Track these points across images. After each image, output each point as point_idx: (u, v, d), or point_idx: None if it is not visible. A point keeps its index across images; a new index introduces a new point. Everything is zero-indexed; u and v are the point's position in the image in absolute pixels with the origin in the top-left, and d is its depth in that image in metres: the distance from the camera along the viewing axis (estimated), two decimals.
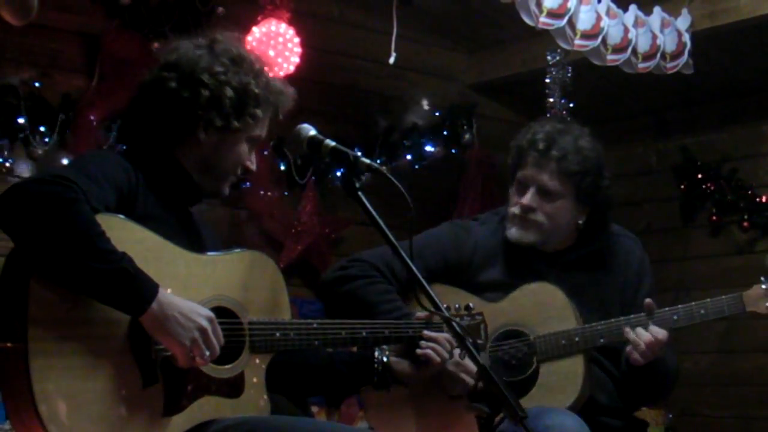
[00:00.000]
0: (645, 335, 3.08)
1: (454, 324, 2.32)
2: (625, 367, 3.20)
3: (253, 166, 2.75)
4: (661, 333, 3.09)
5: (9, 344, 2.29)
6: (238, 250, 2.67)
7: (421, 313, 2.86)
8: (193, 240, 2.65)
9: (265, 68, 2.72)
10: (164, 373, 2.40)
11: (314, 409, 4.66)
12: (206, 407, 2.48)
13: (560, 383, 3.13)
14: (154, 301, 2.31)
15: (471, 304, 2.90)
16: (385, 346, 2.84)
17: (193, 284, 2.50)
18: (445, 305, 2.62)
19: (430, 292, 2.33)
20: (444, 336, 2.83)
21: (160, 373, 2.40)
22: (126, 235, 2.38)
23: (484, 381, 2.23)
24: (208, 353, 2.38)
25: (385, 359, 2.83)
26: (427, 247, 3.23)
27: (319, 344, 2.69)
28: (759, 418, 5.33)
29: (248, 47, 2.73)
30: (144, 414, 2.38)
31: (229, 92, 2.61)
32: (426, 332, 2.84)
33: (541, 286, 3.20)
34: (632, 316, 3.15)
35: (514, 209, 3.23)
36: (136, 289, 2.30)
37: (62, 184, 2.28)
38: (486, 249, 3.27)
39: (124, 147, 2.67)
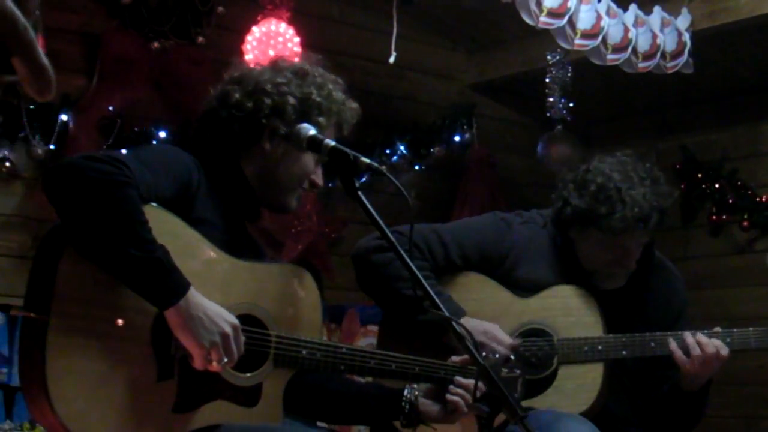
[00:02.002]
0: (709, 347, 3.06)
1: (454, 324, 2.31)
2: (668, 387, 3.19)
3: (320, 181, 2.78)
4: (724, 350, 3.08)
5: (32, 314, 2.30)
6: (279, 263, 2.72)
7: (456, 357, 2.83)
8: (244, 253, 2.63)
9: (328, 81, 2.76)
10: (181, 371, 2.40)
11: None
12: (217, 411, 2.47)
13: (576, 389, 3.13)
14: (183, 299, 2.31)
15: (512, 356, 2.88)
16: (414, 385, 2.80)
17: (226, 288, 2.50)
18: (483, 353, 2.60)
19: (431, 292, 2.32)
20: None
21: (177, 369, 2.40)
22: (167, 228, 2.39)
23: (486, 382, 2.22)
24: (226, 359, 2.38)
25: (413, 399, 2.79)
26: (467, 234, 3.25)
27: (344, 370, 2.66)
28: (761, 417, 5.33)
29: (314, 64, 2.83)
30: (154, 406, 2.38)
31: (291, 100, 2.65)
32: (458, 378, 2.79)
33: (573, 290, 3.19)
34: (658, 333, 3.14)
35: (618, 270, 3.19)
36: (166, 282, 2.30)
37: (115, 165, 2.29)
38: (525, 247, 3.25)
39: (192, 151, 2.67)
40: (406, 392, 2.79)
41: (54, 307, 2.27)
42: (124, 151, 2.81)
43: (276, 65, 2.75)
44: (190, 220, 2.47)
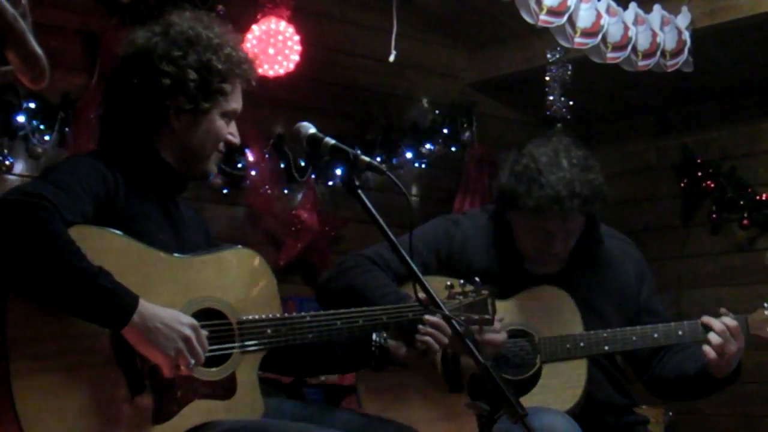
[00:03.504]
0: (718, 325, 3.08)
1: (454, 323, 2.31)
2: (696, 371, 3.19)
3: (236, 140, 2.72)
4: (732, 323, 3.10)
5: None
6: (224, 250, 2.64)
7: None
8: (179, 233, 2.63)
9: (225, 41, 2.67)
10: (152, 381, 2.39)
11: None
12: (198, 411, 2.45)
13: (562, 386, 3.14)
14: (135, 314, 2.30)
15: (478, 279, 2.89)
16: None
17: (177, 288, 2.47)
18: (448, 282, 2.65)
19: (430, 289, 2.32)
20: None
21: (147, 381, 2.38)
22: (104, 245, 2.37)
23: (485, 380, 2.22)
24: (193, 361, 2.37)
25: (382, 342, 2.81)
26: (419, 242, 3.22)
27: (313, 337, 2.64)
28: (760, 416, 5.33)
29: (207, 22, 2.69)
30: (134, 423, 2.36)
31: (191, 74, 2.58)
32: (427, 317, 2.80)
33: (549, 290, 3.20)
34: (638, 327, 3.17)
35: (544, 256, 3.19)
36: (115, 304, 2.29)
37: (33, 203, 2.26)
38: (477, 240, 3.27)
39: (101, 148, 2.66)
40: (374, 336, 2.81)
41: (11, 354, 2.25)
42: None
43: (168, 34, 2.62)
44: (120, 220, 2.44)
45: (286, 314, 2.66)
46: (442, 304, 2.32)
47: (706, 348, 3.08)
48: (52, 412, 2.27)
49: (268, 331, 2.58)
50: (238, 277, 2.60)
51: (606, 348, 3.15)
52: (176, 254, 2.51)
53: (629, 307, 3.26)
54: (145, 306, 2.33)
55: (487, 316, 2.89)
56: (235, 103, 2.69)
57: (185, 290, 2.49)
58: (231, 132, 2.70)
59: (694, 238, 5.67)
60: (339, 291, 3.13)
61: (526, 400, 3.07)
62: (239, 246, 2.67)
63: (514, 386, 3.10)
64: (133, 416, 2.36)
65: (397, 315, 2.78)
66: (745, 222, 5.44)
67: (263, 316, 2.59)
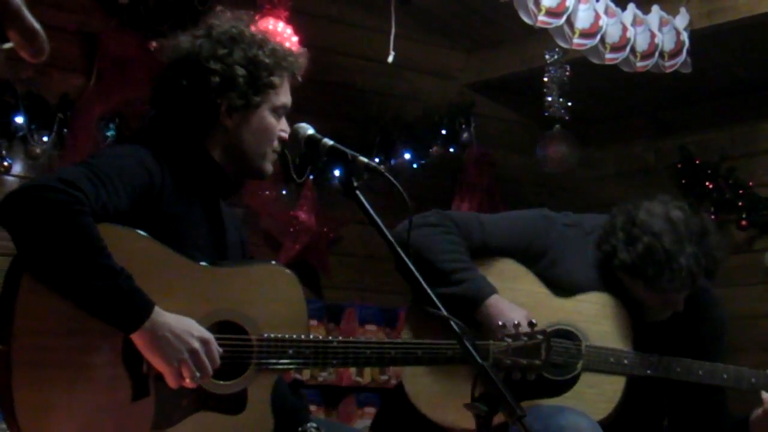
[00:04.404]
0: None
1: (453, 323, 2.30)
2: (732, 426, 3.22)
3: (287, 134, 2.69)
4: None
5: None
6: (256, 264, 2.63)
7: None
8: (219, 238, 2.61)
9: (268, 36, 2.67)
10: (157, 387, 2.37)
11: (312, 407, 4.66)
12: (202, 423, 2.43)
13: (595, 398, 3.08)
14: (147, 320, 2.29)
15: (534, 320, 2.84)
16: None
17: (198, 298, 2.45)
18: (500, 321, 2.63)
19: (429, 292, 2.31)
20: None
21: (153, 386, 2.37)
22: (129, 245, 2.36)
23: (483, 381, 2.21)
24: (198, 374, 2.36)
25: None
26: (508, 224, 3.20)
27: (337, 364, 2.60)
28: None
29: (247, 20, 2.69)
30: (131, 427, 2.34)
31: (239, 71, 2.57)
32: None
33: (610, 300, 3.15)
34: (684, 360, 3.12)
35: (664, 314, 3.16)
36: (128, 307, 2.28)
37: (67, 192, 2.25)
38: (567, 248, 3.19)
39: (153, 146, 2.59)
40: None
41: (16, 342, 2.25)
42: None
43: (210, 35, 2.62)
44: (161, 218, 2.43)
45: (311, 336, 2.60)
46: (442, 308, 2.29)
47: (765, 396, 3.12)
48: (48, 406, 2.26)
49: (290, 351, 2.52)
50: (266, 294, 2.56)
51: (648, 372, 3.09)
52: (203, 263, 2.49)
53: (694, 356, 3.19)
54: (159, 313, 2.32)
55: (536, 362, 2.79)
56: (285, 97, 2.68)
57: (207, 301, 2.46)
58: (283, 128, 2.68)
59: None
60: (413, 238, 3.06)
61: (556, 401, 3.05)
62: (273, 262, 2.67)
63: (549, 386, 3.06)
64: (132, 420, 2.34)
65: (433, 351, 2.69)
66: (744, 223, 5.43)
67: (286, 336, 2.53)
